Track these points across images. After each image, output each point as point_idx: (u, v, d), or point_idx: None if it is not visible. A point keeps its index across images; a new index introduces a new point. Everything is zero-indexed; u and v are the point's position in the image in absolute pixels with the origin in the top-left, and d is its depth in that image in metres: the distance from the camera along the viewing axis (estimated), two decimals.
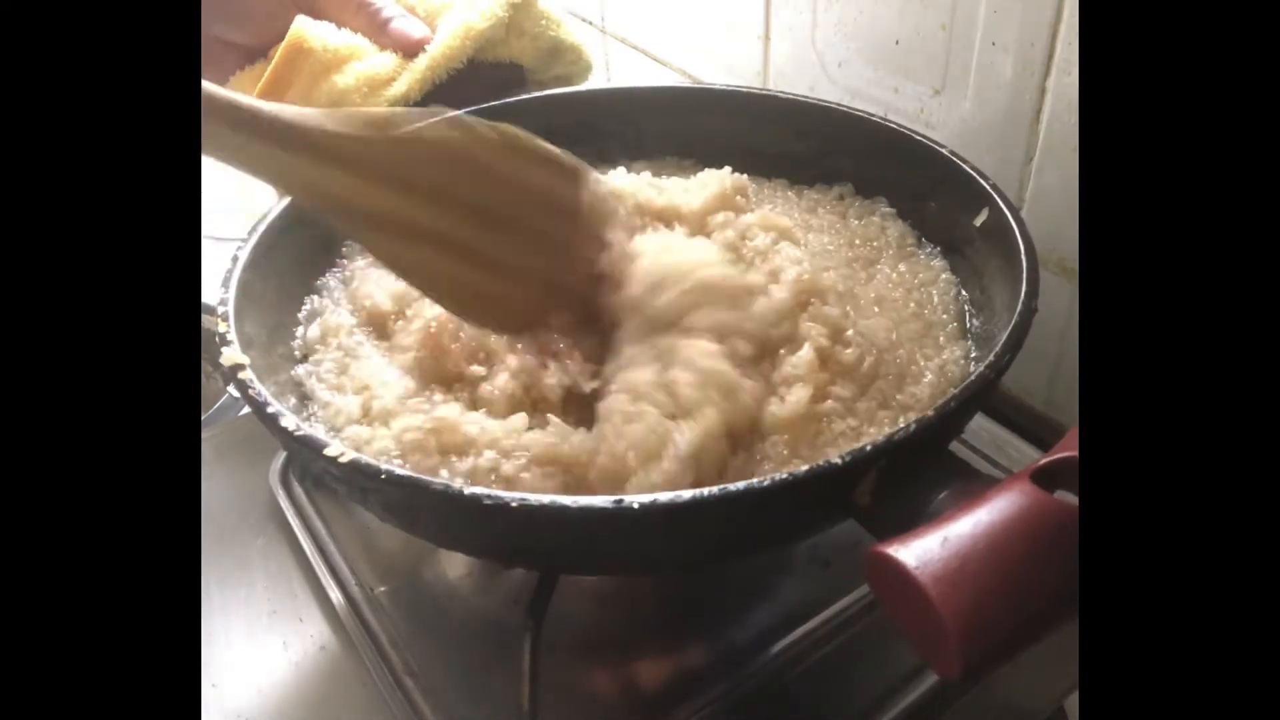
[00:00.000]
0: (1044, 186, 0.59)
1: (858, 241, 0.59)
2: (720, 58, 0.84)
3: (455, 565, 0.54)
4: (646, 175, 0.59)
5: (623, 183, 0.56)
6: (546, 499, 0.34)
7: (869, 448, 0.35)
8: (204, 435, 0.66)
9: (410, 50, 0.64)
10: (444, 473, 0.42)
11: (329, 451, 0.36)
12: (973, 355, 0.50)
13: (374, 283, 0.54)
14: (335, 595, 0.52)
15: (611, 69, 1.02)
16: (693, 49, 0.88)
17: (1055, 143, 0.57)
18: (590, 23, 1.01)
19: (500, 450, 0.42)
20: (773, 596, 0.51)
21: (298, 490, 0.59)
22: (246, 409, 0.74)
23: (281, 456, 0.61)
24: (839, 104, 0.63)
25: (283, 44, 0.62)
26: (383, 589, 0.53)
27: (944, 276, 0.55)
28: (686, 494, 0.33)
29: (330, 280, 0.56)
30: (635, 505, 0.33)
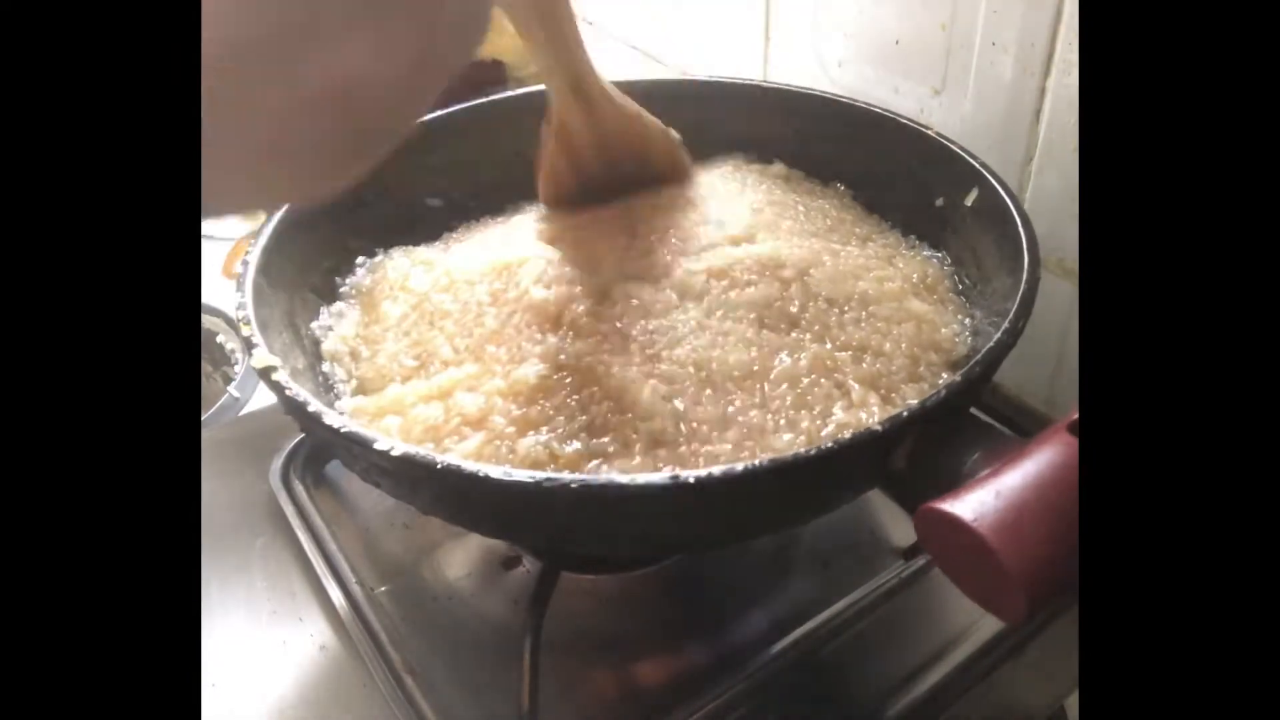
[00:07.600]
0: (1044, 186, 0.59)
1: (845, 225, 0.59)
2: (720, 57, 0.84)
3: (455, 565, 0.54)
4: None
5: None
6: (603, 478, 0.36)
7: (905, 413, 0.36)
8: (204, 435, 0.65)
9: None
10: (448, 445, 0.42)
11: (380, 446, 0.35)
12: (971, 330, 0.51)
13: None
14: (335, 595, 0.52)
15: (610, 69, 1.01)
16: (692, 49, 0.88)
17: (1055, 143, 0.57)
18: (590, 22, 1.01)
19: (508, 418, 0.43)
20: (773, 597, 0.51)
21: (298, 490, 0.59)
22: (246, 409, 0.75)
23: (281, 456, 0.61)
24: (824, 91, 0.63)
25: None
26: (383, 589, 0.53)
27: (937, 256, 0.56)
28: (739, 466, 0.34)
29: (333, 282, 0.57)
30: (691, 479, 0.33)
